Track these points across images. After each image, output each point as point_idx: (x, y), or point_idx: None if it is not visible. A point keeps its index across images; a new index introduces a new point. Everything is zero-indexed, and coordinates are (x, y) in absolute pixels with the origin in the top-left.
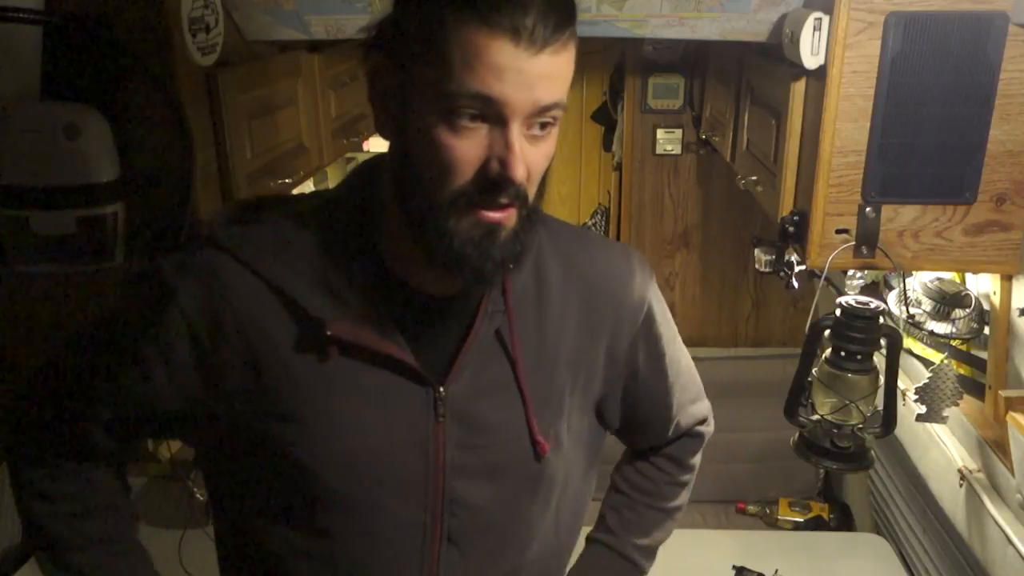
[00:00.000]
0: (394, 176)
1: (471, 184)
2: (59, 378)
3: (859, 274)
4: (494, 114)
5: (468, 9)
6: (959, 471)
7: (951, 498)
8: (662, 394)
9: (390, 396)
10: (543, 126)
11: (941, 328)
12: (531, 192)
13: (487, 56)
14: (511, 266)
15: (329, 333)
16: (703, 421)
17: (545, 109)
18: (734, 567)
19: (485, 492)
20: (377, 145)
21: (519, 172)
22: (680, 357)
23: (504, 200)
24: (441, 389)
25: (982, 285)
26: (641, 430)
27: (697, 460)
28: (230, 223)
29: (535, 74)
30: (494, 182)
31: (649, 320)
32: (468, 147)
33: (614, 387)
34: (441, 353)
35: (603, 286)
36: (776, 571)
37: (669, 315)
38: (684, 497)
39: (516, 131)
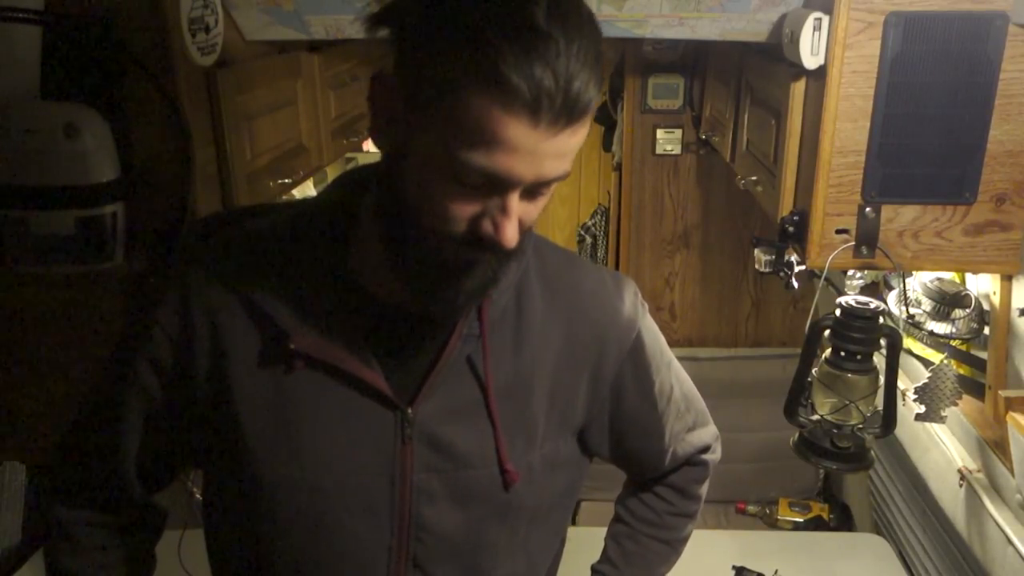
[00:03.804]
0: (382, 191)
1: (462, 234)
2: (88, 417)
3: (859, 274)
4: (497, 184)
5: (488, 80)
6: (959, 471)
7: (951, 498)
8: (652, 423)
9: (356, 416)
10: (545, 186)
11: (941, 328)
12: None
13: (502, 133)
14: (482, 298)
15: (293, 347)
16: (706, 449)
17: (551, 181)
18: (734, 567)
19: (452, 518)
20: None
21: (510, 237)
22: (674, 385)
23: (488, 253)
24: (409, 410)
25: (982, 285)
26: (635, 459)
27: (703, 490)
28: (203, 234)
29: (549, 153)
30: (484, 239)
31: (638, 347)
32: (464, 206)
33: (599, 414)
34: (411, 373)
35: (588, 311)
36: (776, 571)
37: (663, 344)
38: (689, 529)
39: (515, 199)
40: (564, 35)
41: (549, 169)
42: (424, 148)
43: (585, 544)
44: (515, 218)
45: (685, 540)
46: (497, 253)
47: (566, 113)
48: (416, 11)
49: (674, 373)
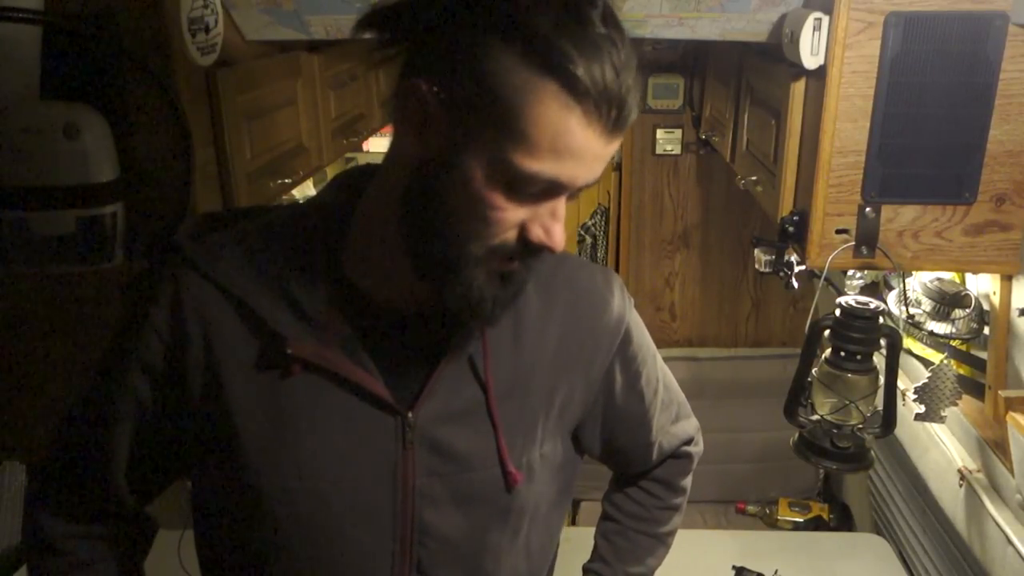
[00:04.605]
0: (405, 203)
1: (509, 242)
2: (77, 425)
3: (859, 274)
4: (555, 191)
5: (558, 87)
6: (959, 471)
7: (951, 498)
8: (640, 416)
9: (356, 421)
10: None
11: (941, 328)
12: None
13: (572, 141)
14: (509, 306)
15: (290, 352)
16: (689, 441)
17: (592, 183)
18: (734, 567)
19: (455, 522)
20: (378, 145)
21: (560, 241)
22: (659, 377)
23: (521, 260)
24: (410, 415)
25: (982, 285)
26: (623, 454)
27: (687, 482)
28: (196, 235)
29: (603, 157)
30: (534, 245)
31: (626, 341)
32: (518, 212)
33: (592, 411)
34: (411, 376)
35: (582, 308)
36: (776, 571)
37: (647, 336)
38: (676, 521)
39: (564, 202)
40: (620, 37)
41: (597, 172)
42: (473, 161)
43: (584, 544)
44: (563, 220)
45: (674, 533)
46: (532, 259)
47: (626, 117)
48: (456, 13)
49: (658, 365)
